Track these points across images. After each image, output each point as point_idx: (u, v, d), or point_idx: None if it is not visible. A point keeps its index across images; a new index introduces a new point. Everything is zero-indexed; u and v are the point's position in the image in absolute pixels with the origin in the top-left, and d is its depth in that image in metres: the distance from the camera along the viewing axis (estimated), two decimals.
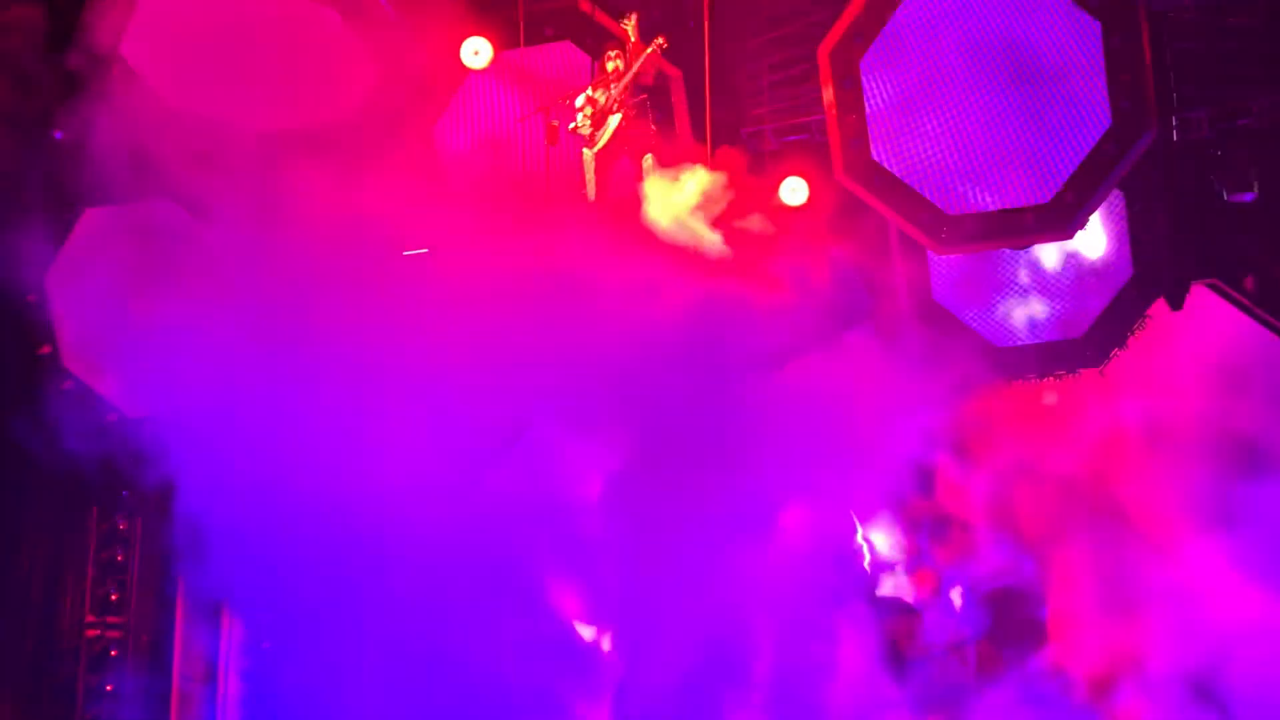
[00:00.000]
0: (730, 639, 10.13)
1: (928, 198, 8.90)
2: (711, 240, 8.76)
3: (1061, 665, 11.04)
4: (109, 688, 9.30)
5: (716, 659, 10.12)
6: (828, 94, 8.88)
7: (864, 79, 8.91)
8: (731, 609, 10.04)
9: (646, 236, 8.78)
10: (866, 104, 8.89)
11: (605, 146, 8.57)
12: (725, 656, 10.18)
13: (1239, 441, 10.30)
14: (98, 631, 9.33)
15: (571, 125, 8.63)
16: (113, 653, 9.30)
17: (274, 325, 8.72)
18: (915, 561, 11.18)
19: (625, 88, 8.43)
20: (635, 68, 8.36)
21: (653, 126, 8.68)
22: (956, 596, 11.45)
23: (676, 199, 8.73)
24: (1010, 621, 11.25)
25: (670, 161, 8.68)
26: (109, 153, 8.25)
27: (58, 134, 8.27)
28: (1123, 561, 10.84)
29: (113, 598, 9.15)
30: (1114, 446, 10.69)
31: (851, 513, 11.02)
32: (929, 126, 8.98)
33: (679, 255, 8.65)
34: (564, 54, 9.04)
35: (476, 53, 8.35)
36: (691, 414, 8.92)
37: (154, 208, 8.58)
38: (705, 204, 8.80)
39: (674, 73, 8.61)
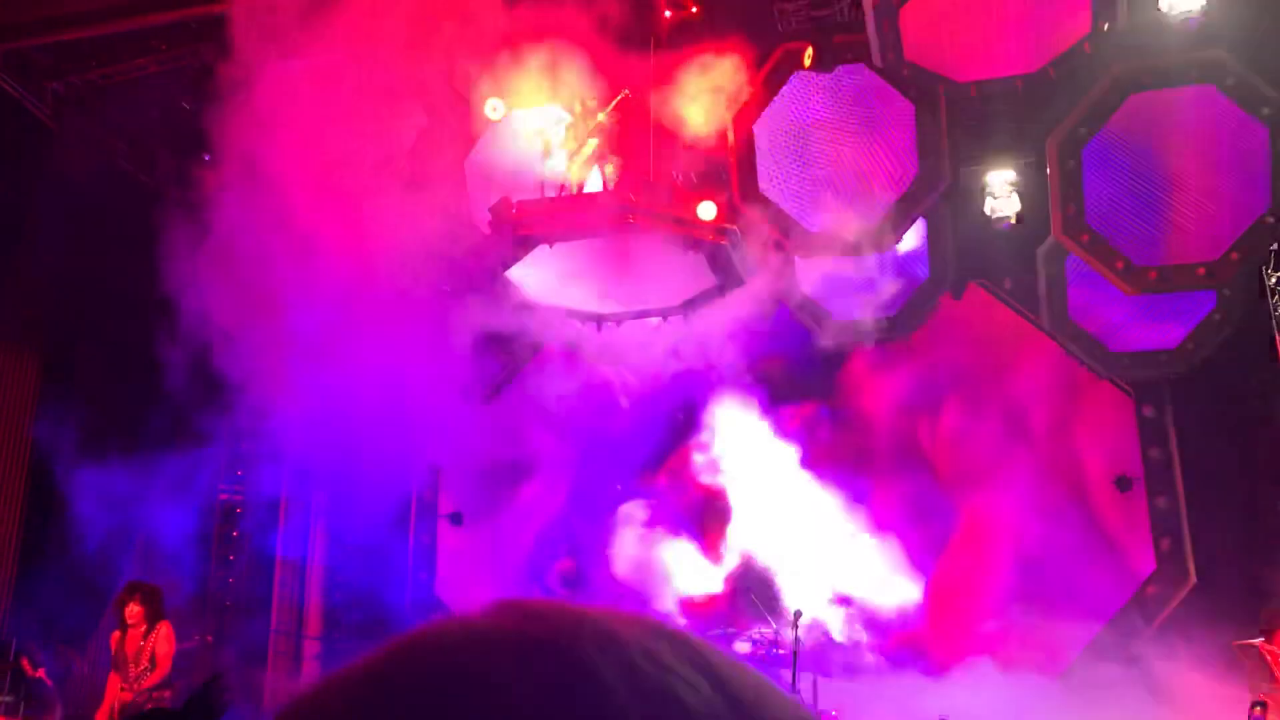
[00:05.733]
0: None
1: (796, 219, 11.17)
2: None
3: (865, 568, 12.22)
4: (235, 533, 11.83)
5: None
6: (731, 146, 11.05)
7: (756, 135, 11.14)
8: None
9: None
10: (756, 153, 11.08)
11: (584, 159, 10.28)
12: None
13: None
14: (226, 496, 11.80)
15: (560, 140, 10.33)
16: (238, 510, 11.81)
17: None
18: None
19: (598, 123, 10.33)
20: (607, 109, 10.31)
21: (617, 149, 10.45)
22: None
23: None
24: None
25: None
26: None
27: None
28: (918, 496, 12.27)
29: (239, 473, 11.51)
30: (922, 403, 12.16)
31: None
32: (799, 172, 11.16)
33: None
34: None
35: (495, 109, 10.49)
36: None
37: None
38: None
39: (629, 130, 10.83)
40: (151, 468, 10.81)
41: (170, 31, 10.84)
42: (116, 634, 8.04)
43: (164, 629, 7.98)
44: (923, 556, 12.16)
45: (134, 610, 7.91)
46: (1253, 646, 9.01)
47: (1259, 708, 7.91)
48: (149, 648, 7.89)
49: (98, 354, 11.56)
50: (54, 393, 11.35)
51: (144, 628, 7.95)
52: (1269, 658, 8.83)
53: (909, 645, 11.91)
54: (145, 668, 7.87)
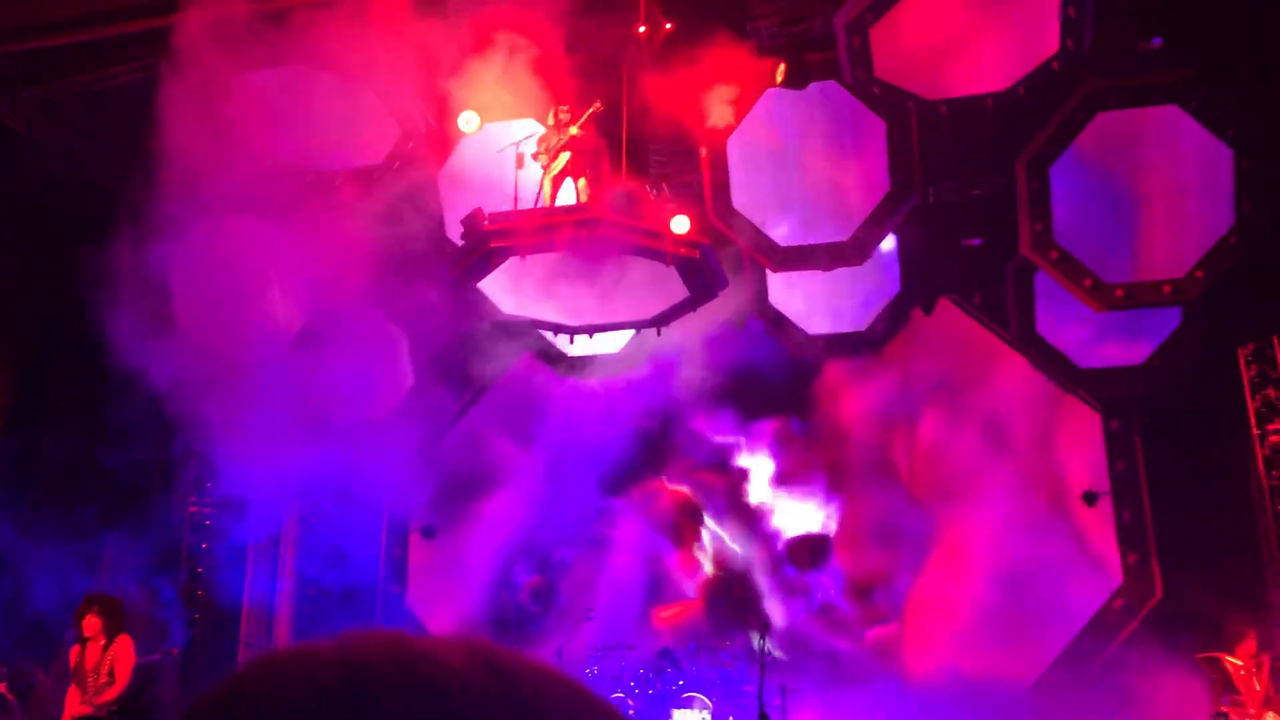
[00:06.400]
0: None
1: (768, 233, 11.17)
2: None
3: (840, 573, 12.55)
4: (204, 545, 11.79)
5: None
6: (704, 161, 11.08)
7: (729, 150, 11.08)
8: None
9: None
10: (729, 168, 11.05)
11: (557, 172, 10.08)
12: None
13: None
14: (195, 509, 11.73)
15: (533, 153, 10.16)
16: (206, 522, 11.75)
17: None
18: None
19: (570, 137, 10.05)
20: (579, 122, 10.07)
21: (591, 163, 10.11)
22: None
23: None
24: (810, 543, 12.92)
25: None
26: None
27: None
28: (889, 510, 12.23)
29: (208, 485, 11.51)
30: (895, 421, 12.15)
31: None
32: (771, 186, 11.22)
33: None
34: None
35: (469, 121, 10.32)
36: None
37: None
38: None
39: (602, 143, 11.00)
40: (119, 477, 10.70)
41: (146, 40, 10.68)
42: (76, 648, 7.93)
43: (124, 642, 7.87)
44: (896, 569, 12.16)
45: (92, 623, 7.80)
46: (1216, 659, 9.10)
47: (1220, 718, 7.97)
48: (108, 661, 7.78)
49: (68, 369, 11.42)
50: (20, 407, 11.21)
51: (103, 641, 7.84)
52: (1231, 670, 8.90)
53: (882, 656, 11.93)
54: (105, 681, 7.76)
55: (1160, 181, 10.79)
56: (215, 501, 11.79)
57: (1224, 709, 8.65)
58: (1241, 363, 11.24)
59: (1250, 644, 9.07)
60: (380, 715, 0.72)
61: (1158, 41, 10.55)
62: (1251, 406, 11.13)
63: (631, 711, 10.32)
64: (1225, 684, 8.90)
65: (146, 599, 11.40)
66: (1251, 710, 8.65)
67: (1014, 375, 11.64)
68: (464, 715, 0.73)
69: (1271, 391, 11.13)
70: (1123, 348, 11.18)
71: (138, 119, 10.48)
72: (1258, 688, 8.84)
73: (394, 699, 0.73)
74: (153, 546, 11.55)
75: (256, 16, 9.82)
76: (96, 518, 10.67)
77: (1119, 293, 10.67)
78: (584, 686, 0.81)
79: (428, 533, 12.68)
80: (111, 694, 7.74)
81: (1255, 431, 11.11)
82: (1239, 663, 8.96)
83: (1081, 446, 11.67)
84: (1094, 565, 11.41)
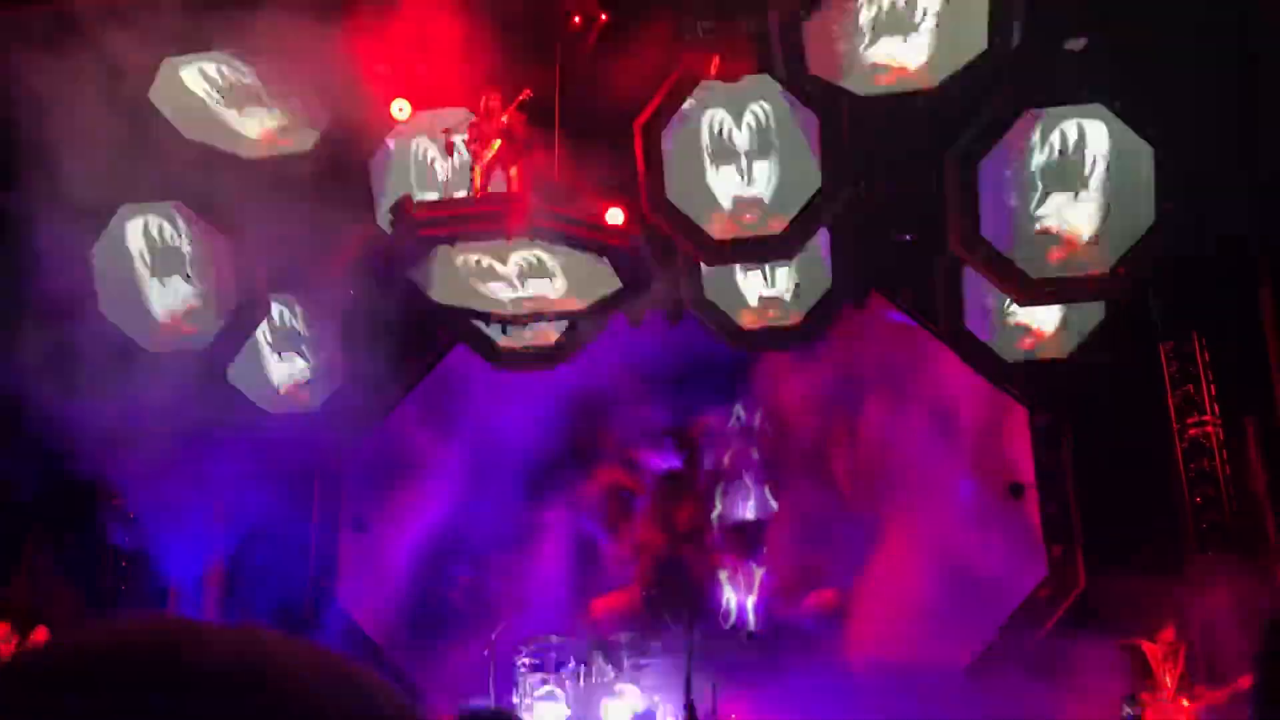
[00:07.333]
0: None
1: (702, 228, 11.12)
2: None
3: (776, 561, 12.67)
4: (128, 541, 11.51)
5: None
6: (639, 153, 10.83)
7: (664, 143, 11.01)
8: None
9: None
10: (664, 160, 10.91)
11: (488, 160, 9.95)
12: None
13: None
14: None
15: (463, 138, 9.98)
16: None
17: None
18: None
19: (500, 124, 10.00)
20: (510, 110, 9.99)
21: (522, 152, 10.07)
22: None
23: None
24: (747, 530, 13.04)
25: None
26: None
27: None
28: (825, 499, 12.48)
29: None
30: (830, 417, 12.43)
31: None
32: (705, 179, 11.14)
33: None
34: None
35: (401, 109, 10.26)
36: None
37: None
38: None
39: (533, 132, 10.89)
40: (35, 480, 10.43)
41: (53, 20, 10.35)
42: None
43: (41, 635, 7.65)
44: (832, 557, 12.25)
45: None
46: (1137, 646, 9.28)
47: (1128, 702, 8.14)
48: None
49: None
50: None
51: (17, 638, 7.62)
52: (1150, 657, 9.09)
53: (818, 643, 11.99)
54: None
55: (1085, 178, 10.94)
56: (139, 497, 11.51)
57: (1143, 696, 8.84)
58: (1163, 358, 11.48)
59: (1169, 632, 9.27)
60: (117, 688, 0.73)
61: (1083, 40, 10.71)
62: (1172, 401, 11.38)
63: (563, 703, 10.25)
64: (1145, 671, 9.09)
65: (70, 595, 11.12)
66: (1165, 696, 8.85)
67: (945, 369, 11.84)
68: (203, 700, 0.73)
69: (1191, 387, 11.39)
70: (1048, 342, 11.33)
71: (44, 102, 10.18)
72: (1172, 676, 9.03)
73: (131, 674, 0.74)
74: (75, 544, 11.26)
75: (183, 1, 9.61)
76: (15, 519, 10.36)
77: (1045, 287, 10.81)
78: (366, 681, 0.78)
79: (359, 525, 12.52)
80: None
81: (1175, 426, 11.35)
82: (1158, 650, 9.15)
83: (1011, 439, 11.90)
84: (1026, 555, 11.61)
